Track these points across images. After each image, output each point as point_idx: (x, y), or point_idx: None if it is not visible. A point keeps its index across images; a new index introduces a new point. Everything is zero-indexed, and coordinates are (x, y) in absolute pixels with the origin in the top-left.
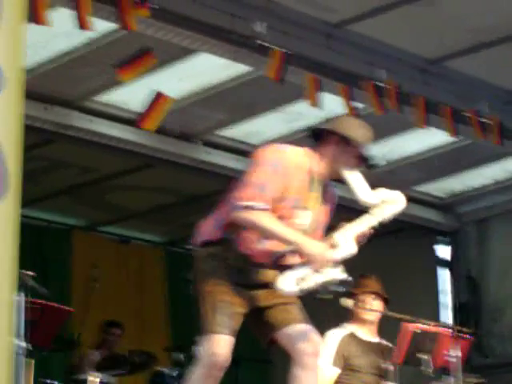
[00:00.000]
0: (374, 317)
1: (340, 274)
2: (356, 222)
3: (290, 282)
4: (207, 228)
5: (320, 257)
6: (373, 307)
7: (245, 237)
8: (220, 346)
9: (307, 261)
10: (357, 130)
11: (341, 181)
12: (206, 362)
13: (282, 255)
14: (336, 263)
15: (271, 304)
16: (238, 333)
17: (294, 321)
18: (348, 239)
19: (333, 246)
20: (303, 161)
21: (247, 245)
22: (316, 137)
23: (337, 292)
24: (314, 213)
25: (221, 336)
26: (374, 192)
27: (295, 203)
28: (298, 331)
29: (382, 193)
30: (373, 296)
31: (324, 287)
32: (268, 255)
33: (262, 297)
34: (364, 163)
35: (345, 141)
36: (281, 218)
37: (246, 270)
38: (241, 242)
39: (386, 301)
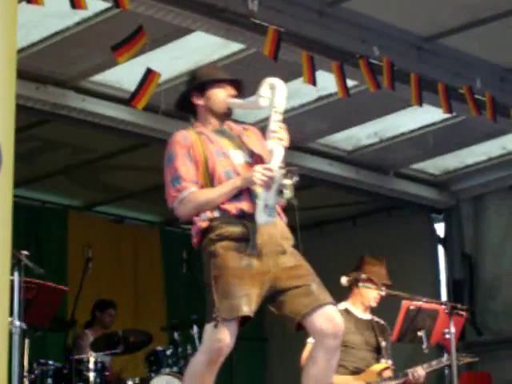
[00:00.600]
0: (375, 303)
1: (281, 172)
2: (268, 126)
3: (261, 214)
4: (194, 227)
5: (256, 177)
6: (373, 294)
7: (224, 205)
8: (225, 333)
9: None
10: (200, 74)
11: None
12: (210, 349)
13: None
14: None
15: (291, 286)
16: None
17: (317, 302)
18: (273, 143)
19: (271, 154)
20: (187, 133)
21: (230, 205)
22: (186, 109)
23: (291, 185)
24: (242, 150)
25: (226, 323)
26: (259, 95)
27: (219, 154)
28: (320, 313)
29: (262, 90)
30: (374, 284)
31: (279, 191)
32: (249, 199)
33: (281, 276)
34: (232, 85)
35: (199, 90)
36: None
37: (249, 234)
38: (227, 209)
39: (388, 286)
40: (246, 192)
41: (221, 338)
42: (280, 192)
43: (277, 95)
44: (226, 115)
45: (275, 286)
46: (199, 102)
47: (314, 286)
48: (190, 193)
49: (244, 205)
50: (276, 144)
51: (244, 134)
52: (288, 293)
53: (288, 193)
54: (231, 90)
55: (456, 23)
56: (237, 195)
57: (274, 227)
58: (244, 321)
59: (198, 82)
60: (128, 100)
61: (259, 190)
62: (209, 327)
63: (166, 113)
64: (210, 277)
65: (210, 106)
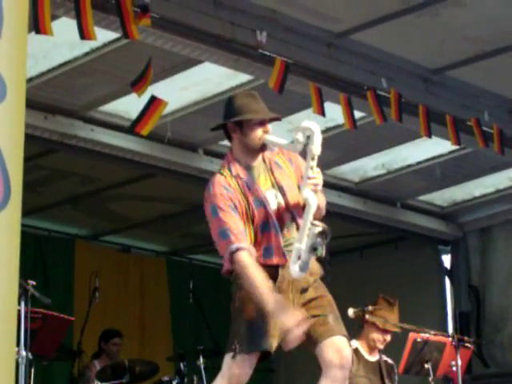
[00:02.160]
0: (380, 345)
1: (314, 230)
2: (305, 172)
3: (294, 266)
4: (224, 260)
5: (289, 335)
6: (379, 338)
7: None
8: (244, 363)
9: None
10: (238, 107)
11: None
12: (229, 375)
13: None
14: (312, 223)
15: (309, 316)
16: None
17: (330, 332)
18: (308, 192)
19: (306, 204)
20: (226, 181)
21: (261, 259)
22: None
23: (322, 245)
24: (275, 189)
25: (246, 355)
26: (296, 141)
27: (257, 204)
28: (329, 343)
29: (299, 135)
30: (380, 330)
31: (312, 248)
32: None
33: (301, 308)
34: (269, 121)
35: (237, 124)
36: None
37: (272, 277)
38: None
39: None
40: (276, 248)
41: (240, 365)
42: (313, 249)
43: (313, 141)
44: (261, 150)
45: None
46: (235, 134)
47: (331, 317)
48: (240, 251)
49: (275, 259)
50: (311, 193)
51: (275, 164)
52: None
53: (321, 251)
54: (267, 126)
55: (464, 56)
56: (269, 250)
57: None
58: (265, 354)
59: (236, 117)
60: (130, 127)
61: (294, 244)
62: (228, 356)
63: (173, 143)
64: (235, 308)
65: (246, 142)
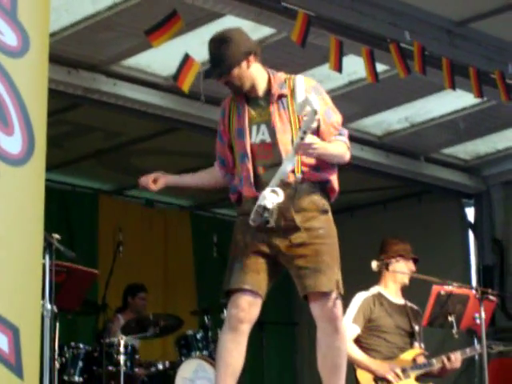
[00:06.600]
0: (407, 279)
1: (265, 201)
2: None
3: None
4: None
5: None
6: (406, 270)
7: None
8: (237, 300)
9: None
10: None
11: None
12: (228, 315)
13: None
14: (273, 190)
15: (294, 266)
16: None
17: (309, 288)
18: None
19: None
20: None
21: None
22: None
23: (260, 220)
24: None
25: (235, 294)
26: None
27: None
28: (312, 297)
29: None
30: (405, 259)
31: (256, 213)
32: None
33: (286, 253)
34: None
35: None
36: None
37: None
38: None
39: (415, 261)
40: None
41: (235, 304)
42: (262, 210)
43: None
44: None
45: (282, 262)
46: None
47: (316, 270)
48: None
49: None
50: (291, 158)
51: (280, 103)
52: (292, 271)
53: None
54: None
55: (488, 7)
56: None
57: (289, 200)
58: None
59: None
60: (173, 79)
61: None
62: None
63: (196, 97)
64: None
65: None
